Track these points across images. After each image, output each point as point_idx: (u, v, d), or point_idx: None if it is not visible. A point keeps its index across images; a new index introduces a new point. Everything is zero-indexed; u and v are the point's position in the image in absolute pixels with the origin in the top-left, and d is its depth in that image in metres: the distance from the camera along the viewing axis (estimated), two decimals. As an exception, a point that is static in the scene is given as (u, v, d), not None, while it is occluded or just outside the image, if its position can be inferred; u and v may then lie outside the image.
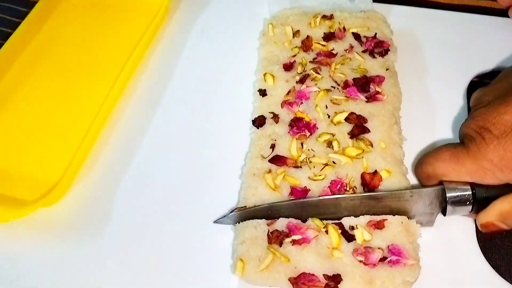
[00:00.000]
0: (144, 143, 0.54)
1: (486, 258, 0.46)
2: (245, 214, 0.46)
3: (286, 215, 0.45)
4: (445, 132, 0.54)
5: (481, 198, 0.44)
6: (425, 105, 0.56)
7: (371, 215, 0.45)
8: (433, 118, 0.55)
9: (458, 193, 0.45)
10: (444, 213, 0.46)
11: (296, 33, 0.59)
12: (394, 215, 0.45)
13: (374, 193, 0.46)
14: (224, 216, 0.47)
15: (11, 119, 0.55)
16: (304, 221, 0.45)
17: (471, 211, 0.45)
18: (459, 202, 0.45)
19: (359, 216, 0.45)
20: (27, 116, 0.55)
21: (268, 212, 0.46)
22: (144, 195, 0.50)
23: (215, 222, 0.48)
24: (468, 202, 0.44)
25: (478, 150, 0.44)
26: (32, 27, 0.61)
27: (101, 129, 0.53)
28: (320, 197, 0.46)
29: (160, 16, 0.61)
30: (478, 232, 0.47)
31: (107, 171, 0.52)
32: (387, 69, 0.55)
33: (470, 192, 0.44)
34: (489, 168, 0.43)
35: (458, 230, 0.47)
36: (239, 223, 0.46)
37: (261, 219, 0.46)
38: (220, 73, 0.59)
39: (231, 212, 0.47)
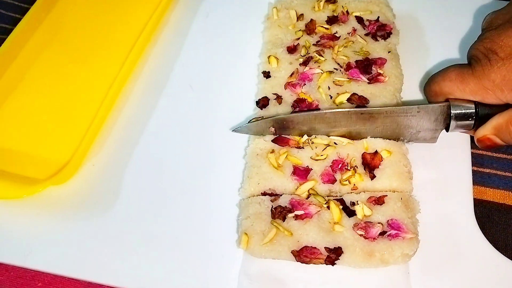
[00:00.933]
0: (150, 124, 0.56)
1: (483, 233, 0.48)
2: (262, 124, 0.51)
3: (299, 127, 0.51)
4: None
5: (483, 115, 0.48)
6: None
7: (380, 131, 0.51)
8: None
9: (462, 110, 0.48)
10: (447, 129, 0.50)
11: (300, 17, 0.61)
12: (395, 137, 0.50)
13: (384, 108, 0.50)
14: (241, 126, 0.52)
15: (24, 102, 0.58)
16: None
17: (473, 127, 0.48)
18: (463, 117, 0.48)
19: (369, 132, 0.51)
20: (39, 98, 0.58)
21: (283, 123, 0.50)
22: (151, 174, 0.53)
23: (233, 131, 0.53)
24: (470, 118, 0.48)
25: (482, 70, 0.46)
26: (41, 11, 0.64)
27: (109, 110, 0.56)
28: (334, 110, 0.50)
29: (166, 1, 0.63)
30: (476, 207, 0.49)
31: (116, 151, 0.54)
32: (389, 52, 0.57)
33: (474, 110, 0.48)
34: (490, 88, 0.46)
35: (456, 205, 0.49)
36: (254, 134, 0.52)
37: (275, 131, 0.51)
38: (225, 57, 0.62)
39: (248, 122, 0.51)
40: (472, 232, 0.48)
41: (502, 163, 0.54)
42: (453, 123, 0.49)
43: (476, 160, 0.54)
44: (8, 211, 0.50)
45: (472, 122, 0.48)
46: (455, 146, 0.53)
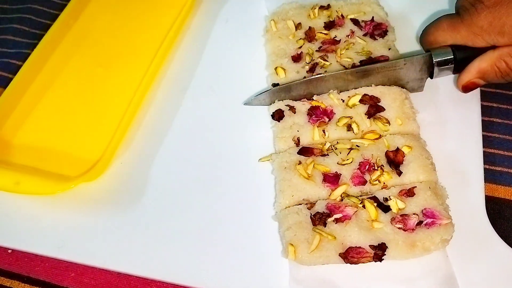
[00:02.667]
0: (174, 125, 0.61)
1: (494, 229, 0.51)
2: (270, 93, 0.58)
3: (304, 90, 0.58)
4: (449, 102, 0.60)
5: (461, 58, 0.56)
6: (432, 82, 0.61)
7: (372, 85, 0.57)
8: (437, 89, 0.61)
9: (443, 58, 0.56)
10: (431, 76, 0.58)
11: (298, 26, 0.64)
12: (390, 86, 0.57)
13: (375, 65, 0.57)
14: (251, 98, 0.59)
15: (57, 103, 0.63)
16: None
17: (453, 71, 0.57)
18: (444, 63, 0.56)
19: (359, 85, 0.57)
20: (71, 100, 0.63)
21: (289, 88, 0.58)
22: (176, 172, 0.57)
23: (244, 104, 0.60)
24: (450, 63, 0.56)
25: (470, 18, 0.53)
26: (70, 18, 0.70)
27: (136, 111, 0.61)
28: (333, 72, 0.58)
29: (188, 7, 0.68)
30: (487, 204, 0.52)
31: (142, 150, 0.59)
32: (389, 49, 0.61)
33: (452, 56, 0.56)
34: (479, 33, 0.53)
35: (467, 202, 0.53)
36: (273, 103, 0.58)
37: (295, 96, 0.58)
38: (242, 59, 0.66)
39: (257, 95, 0.58)
40: (483, 228, 0.51)
41: None
42: (436, 70, 0.57)
43: (488, 158, 0.57)
44: (43, 206, 0.55)
45: (452, 66, 0.56)
46: (467, 145, 0.57)
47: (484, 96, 0.61)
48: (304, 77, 0.59)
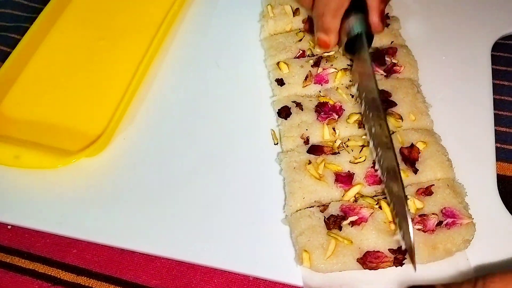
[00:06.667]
0: (179, 101, 0.62)
1: (507, 207, 0.52)
2: None
3: None
4: (467, 92, 0.60)
5: None
6: (443, 70, 0.61)
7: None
8: (452, 81, 0.61)
9: None
10: None
11: (296, 12, 0.63)
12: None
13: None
14: None
15: (60, 78, 0.64)
16: None
17: None
18: None
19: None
20: (74, 74, 0.64)
21: None
22: (181, 149, 0.58)
23: None
24: None
25: None
26: None
27: (139, 86, 0.62)
28: None
29: None
30: (499, 183, 0.53)
31: (146, 126, 0.60)
32: (392, 42, 0.61)
33: None
34: None
35: (479, 181, 0.53)
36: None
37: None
38: (248, 35, 0.66)
39: None
40: (495, 207, 0.52)
41: None
42: None
43: (500, 137, 0.58)
44: (44, 181, 0.56)
45: None
46: (479, 124, 0.57)
47: (495, 75, 0.62)
48: (310, 72, 0.58)
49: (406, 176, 0.51)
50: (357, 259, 0.46)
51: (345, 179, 0.51)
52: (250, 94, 0.61)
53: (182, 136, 0.59)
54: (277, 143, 0.56)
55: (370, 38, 0.54)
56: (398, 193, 0.47)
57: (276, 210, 0.52)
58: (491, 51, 0.63)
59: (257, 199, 0.53)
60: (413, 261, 0.45)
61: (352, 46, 0.54)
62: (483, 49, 0.63)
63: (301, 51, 0.60)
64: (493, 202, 0.52)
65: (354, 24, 0.52)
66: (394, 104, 0.55)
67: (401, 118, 0.54)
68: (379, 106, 0.49)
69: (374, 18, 0.53)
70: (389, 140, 0.48)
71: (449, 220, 0.48)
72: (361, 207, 0.49)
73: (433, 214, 0.48)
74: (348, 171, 0.52)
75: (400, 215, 0.47)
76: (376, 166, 0.51)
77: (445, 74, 0.61)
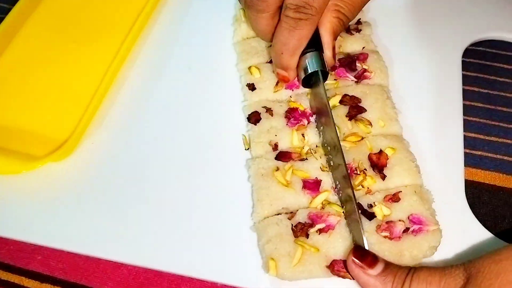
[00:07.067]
0: (150, 105, 0.61)
1: (474, 214, 0.53)
2: None
3: None
4: (437, 98, 0.60)
5: None
6: (414, 76, 0.62)
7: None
8: (422, 87, 0.61)
9: None
10: None
11: None
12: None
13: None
14: None
15: (25, 80, 0.63)
16: None
17: None
18: None
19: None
20: (40, 76, 0.63)
21: None
22: (149, 155, 0.57)
23: None
24: None
25: None
26: None
27: (108, 90, 0.61)
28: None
29: None
30: (467, 188, 0.54)
31: (115, 130, 0.59)
32: (363, 47, 0.61)
33: None
34: None
35: (447, 186, 0.53)
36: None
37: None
38: (222, 39, 0.65)
39: None
40: (463, 213, 0.52)
41: (493, 146, 0.59)
42: None
43: (468, 142, 0.58)
44: (8, 186, 0.55)
45: None
46: (449, 130, 0.57)
47: (465, 81, 0.62)
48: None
49: (374, 182, 0.51)
50: (328, 265, 0.46)
51: (312, 185, 0.51)
52: (222, 99, 0.60)
53: (151, 141, 0.58)
54: (248, 149, 0.56)
55: (326, 74, 0.55)
56: (351, 205, 0.48)
57: (245, 217, 0.52)
58: (462, 57, 0.63)
59: (226, 206, 0.53)
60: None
61: (309, 81, 0.56)
62: (454, 55, 0.63)
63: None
64: (460, 208, 0.52)
65: (310, 62, 0.54)
66: (363, 110, 0.55)
67: (370, 124, 0.54)
68: (337, 145, 0.50)
69: (327, 53, 0.55)
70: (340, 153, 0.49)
71: (416, 226, 0.48)
72: (328, 215, 0.49)
73: (399, 220, 0.48)
74: (316, 178, 0.51)
75: (353, 227, 0.47)
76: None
77: (415, 80, 0.61)
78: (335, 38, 0.55)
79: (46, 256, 0.52)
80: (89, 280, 0.50)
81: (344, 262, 0.46)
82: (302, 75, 0.55)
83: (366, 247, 0.45)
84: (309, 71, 0.54)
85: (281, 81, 0.56)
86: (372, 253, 0.45)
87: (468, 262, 0.43)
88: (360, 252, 0.45)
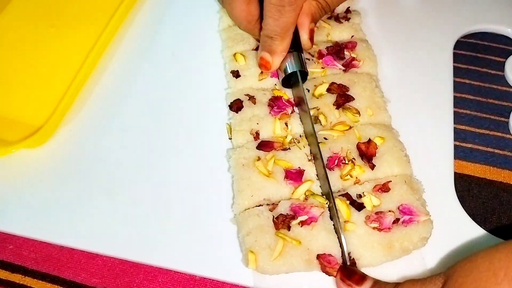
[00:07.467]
0: (131, 92, 0.59)
1: (463, 207, 0.51)
2: None
3: None
4: (427, 89, 0.58)
5: None
6: (404, 66, 0.60)
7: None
8: (412, 78, 0.59)
9: None
10: None
11: None
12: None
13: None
14: None
15: (3, 65, 0.60)
16: None
17: None
18: None
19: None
20: (17, 61, 0.61)
21: None
22: (129, 143, 0.55)
23: None
24: None
25: None
26: None
27: (88, 75, 0.59)
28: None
29: None
30: (456, 181, 0.52)
31: (94, 117, 0.57)
32: (352, 36, 0.59)
33: None
34: None
35: (437, 180, 0.51)
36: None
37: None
38: (207, 25, 0.63)
39: None
40: (451, 206, 0.51)
41: (483, 138, 0.58)
42: None
43: (459, 135, 0.57)
44: None
45: None
46: (439, 122, 0.56)
47: (456, 73, 0.61)
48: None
49: (363, 171, 0.49)
50: (310, 259, 0.44)
51: (295, 175, 0.48)
52: (206, 87, 0.58)
53: (131, 128, 0.56)
54: (231, 138, 0.53)
55: (305, 74, 0.54)
56: (329, 199, 0.47)
57: (225, 209, 0.49)
58: (453, 49, 0.61)
59: (206, 197, 0.51)
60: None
61: (289, 81, 0.54)
62: (445, 47, 0.61)
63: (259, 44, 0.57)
64: (449, 201, 0.51)
65: (290, 63, 0.53)
66: (351, 98, 0.53)
67: (358, 112, 0.52)
68: (315, 137, 0.49)
69: (304, 36, 0.54)
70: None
71: (406, 217, 0.46)
72: (311, 206, 0.46)
73: (389, 211, 0.46)
74: (299, 167, 0.49)
75: (334, 222, 0.46)
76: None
77: (405, 71, 0.59)
78: (313, 21, 0.54)
79: (18, 246, 0.50)
80: (62, 270, 0.49)
81: (330, 257, 0.44)
82: (282, 75, 0.54)
83: (345, 248, 0.44)
84: (289, 71, 0.53)
85: (262, 68, 0.54)
86: (359, 271, 0.44)
87: (448, 267, 0.42)
88: (348, 271, 0.44)
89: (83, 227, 0.50)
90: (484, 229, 0.49)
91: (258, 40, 0.56)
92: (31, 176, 0.52)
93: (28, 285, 0.48)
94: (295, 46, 0.53)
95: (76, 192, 0.51)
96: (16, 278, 0.48)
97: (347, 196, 0.47)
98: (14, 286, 0.48)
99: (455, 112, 0.57)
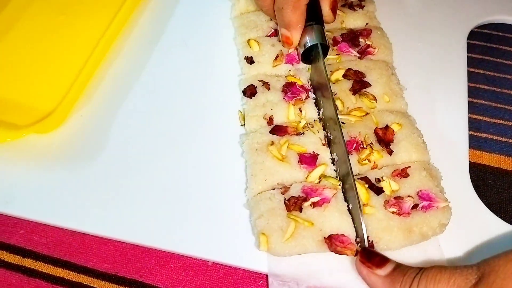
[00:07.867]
0: (142, 79, 0.59)
1: (479, 196, 0.50)
2: None
3: None
4: (441, 79, 0.57)
5: None
6: (419, 56, 0.59)
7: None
8: (426, 68, 0.58)
9: None
10: None
11: None
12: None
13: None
14: None
15: (13, 50, 0.61)
16: None
17: None
18: None
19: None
20: (29, 47, 0.61)
21: None
22: (140, 129, 0.55)
23: None
24: None
25: None
26: None
27: (100, 61, 0.59)
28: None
29: None
30: (471, 171, 0.52)
31: (106, 103, 0.57)
32: (366, 24, 0.58)
33: None
34: None
35: (452, 169, 0.51)
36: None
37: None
38: (220, 15, 0.63)
39: None
40: (467, 195, 0.50)
41: (498, 128, 0.57)
42: None
43: (473, 124, 0.57)
44: None
45: None
46: (453, 112, 0.55)
47: (470, 63, 0.61)
48: (281, 51, 0.55)
49: (381, 156, 0.48)
50: (323, 240, 0.43)
51: (309, 160, 0.47)
52: (218, 74, 0.58)
53: (144, 116, 0.55)
54: (244, 124, 0.53)
55: (326, 49, 0.53)
56: (349, 182, 0.45)
57: (239, 193, 0.48)
58: (467, 40, 0.61)
59: (220, 183, 0.50)
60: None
61: (309, 56, 0.53)
62: (459, 37, 0.61)
63: (272, 30, 0.57)
64: (465, 190, 0.50)
65: (310, 36, 0.51)
66: (368, 84, 0.52)
67: (375, 99, 0.51)
68: (336, 120, 0.48)
69: (325, 8, 0.52)
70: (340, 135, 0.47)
71: (425, 203, 0.45)
72: (324, 188, 0.45)
73: (408, 196, 0.45)
74: (313, 151, 0.48)
75: (352, 204, 0.45)
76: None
77: (420, 60, 0.59)
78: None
79: (29, 230, 0.49)
80: (73, 256, 0.48)
81: (342, 237, 0.43)
82: (301, 50, 0.52)
83: (364, 229, 0.43)
84: (309, 45, 0.51)
85: (285, 44, 0.53)
86: (380, 254, 0.42)
87: (482, 261, 0.40)
88: (368, 253, 0.42)
89: (95, 212, 0.49)
90: (500, 217, 0.48)
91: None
92: (42, 161, 0.52)
93: (39, 269, 0.47)
94: (316, 19, 0.52)
95: (87, 178, 0.51)
96: (27, 262, 0.47)
97: (366, 179, 0.46)
98: (25, 271, 0.47)
99: (469, 102, 0.56)
